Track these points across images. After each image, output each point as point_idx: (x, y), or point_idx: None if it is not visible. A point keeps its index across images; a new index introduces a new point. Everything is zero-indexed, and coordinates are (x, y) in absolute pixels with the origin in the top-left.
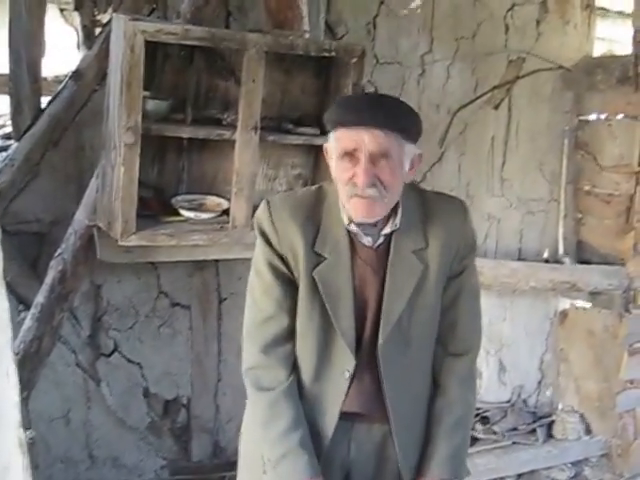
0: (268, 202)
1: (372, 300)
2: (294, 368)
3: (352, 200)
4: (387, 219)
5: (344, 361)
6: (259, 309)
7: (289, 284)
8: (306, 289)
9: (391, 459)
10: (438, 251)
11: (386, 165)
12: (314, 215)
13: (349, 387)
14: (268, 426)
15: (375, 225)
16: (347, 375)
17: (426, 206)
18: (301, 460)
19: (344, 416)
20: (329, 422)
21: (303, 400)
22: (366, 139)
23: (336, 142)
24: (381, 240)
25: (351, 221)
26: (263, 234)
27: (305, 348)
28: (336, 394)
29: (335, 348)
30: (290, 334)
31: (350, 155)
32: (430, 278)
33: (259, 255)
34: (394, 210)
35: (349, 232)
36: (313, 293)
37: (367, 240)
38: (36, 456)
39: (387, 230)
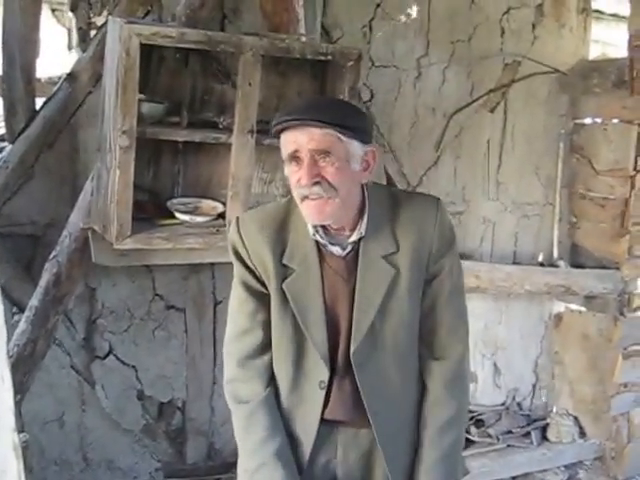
0: (238, 219)
1: (344, 309)
2: (272, 379)
3: (303, 203)
4: (354, 226)
5: (318, 371)
6: (235, 324)
7: (261, 298)
8: (277, 302)
9: (379, 467)
10: (409, 255)
11: (329, 163)
12: (283, 228)
13: (328, 396)
14: (245, 437)
15: (342, 233)
16: (322, 385)
17: (396, 208)
18: (276, 471)
19: (329, 421)
20: (309, 432)
21: (282, 411)
22: (304, 139)
23: (282, 149)
24: (349, 248)
25: (316, 232)
26: (235, 251)
27: (280, 359)
28: (314, 404)
29: (309, 359)
30: (266, 347)
31: (295, 158)
32: (402, 282)
33: (234, 272)
34: (360, 216)
35: (318, 243)
36: (284, 305)
37: (335, 249)
38: (30, 459)
39: (353, 238)
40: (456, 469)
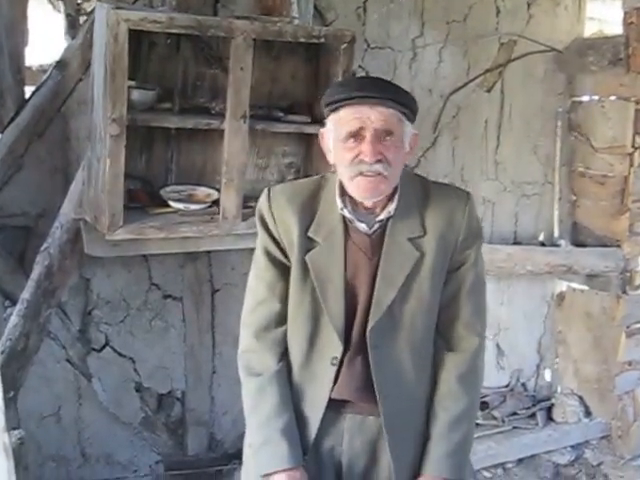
0: (269, 190)
1: (364, 286)
2: (285, 353)
3: (356, 179)
4: (384, 206)
5: (332, 347)
6: (253, 294)
7: (282, 269)
8: (298, 274)
9: (385, 455)
10: (436, 240)
11: (390, 142)
12: (312, 202)
13: (339, 374)
14: (253, 411)
15: (371, 211)
16: (335, 362)
17: (427, 195)
18: (280, 449)
19: (336, 404)
20: (317, 410)
21: (293, 386)
22: (372, 116)
23: (337, 124)
24: (376, 227)
25: (344, 207)
26: (262, 220)
27: (295, 333)
28: (324, 380)
29: (324, 334)
30: (282, 319)
31: (355, 135)
32: (426, 266)
33: (257, 241)
34: (391, 197)
35: (345, 219)
36: (305, 278)
37: (362, 226)
38: (26, 456)
39: (382, 217)
40: (463, 466)
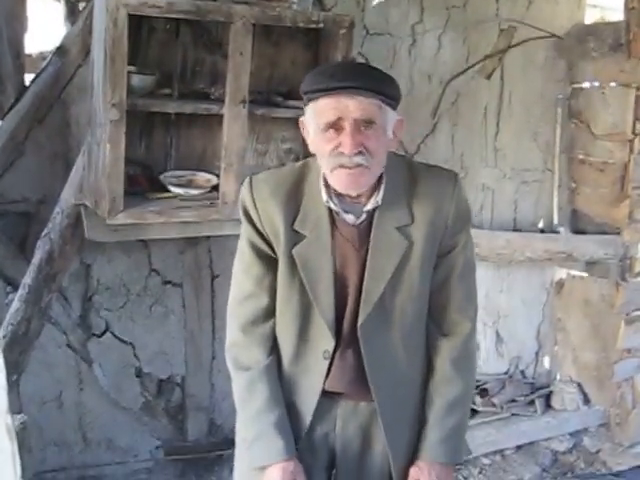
0: (251, 180)
1: (353, 279)
2: (274, 347)
3: (336, 171)
4: (370, 195)
5: (323, 341)
6: (240, 288)
7: (269, 262)
8: (285, 268)
9: (378, 440)
10: (424, 227)
11: (371, 132)
12: (296, 193)
13: (330, 367)
14: (244, 406)
15: (358, 201)
16: (326, 355)
17: (414, 181)
18: (273, 442)
19: (329, 394)
20: (310, 402)
21: (284, 380)
22: (350, 106)
23: (316, 114)
24: (363, 217)
25: (330, 198)
26: (245, 212)
27: (285, 327)
28: (316, 374)
29: (315, 327)
30: (270, 313)
31: (334, 125)
32: (415, 255)
33: (242, 233)
34: (377, 186)
35: (331, 209)
36: (292, 272)
37: (349, 217)
38: (28, 440)
39: (369, 207)
40: (459, 450)
